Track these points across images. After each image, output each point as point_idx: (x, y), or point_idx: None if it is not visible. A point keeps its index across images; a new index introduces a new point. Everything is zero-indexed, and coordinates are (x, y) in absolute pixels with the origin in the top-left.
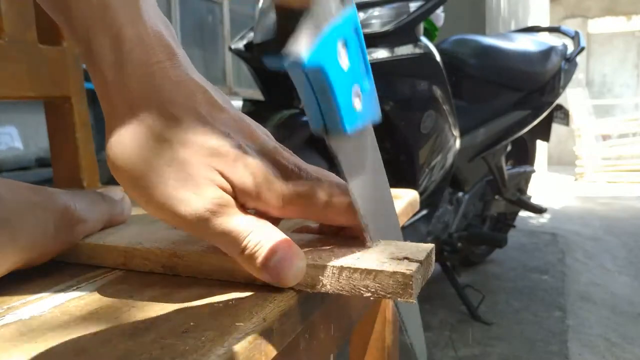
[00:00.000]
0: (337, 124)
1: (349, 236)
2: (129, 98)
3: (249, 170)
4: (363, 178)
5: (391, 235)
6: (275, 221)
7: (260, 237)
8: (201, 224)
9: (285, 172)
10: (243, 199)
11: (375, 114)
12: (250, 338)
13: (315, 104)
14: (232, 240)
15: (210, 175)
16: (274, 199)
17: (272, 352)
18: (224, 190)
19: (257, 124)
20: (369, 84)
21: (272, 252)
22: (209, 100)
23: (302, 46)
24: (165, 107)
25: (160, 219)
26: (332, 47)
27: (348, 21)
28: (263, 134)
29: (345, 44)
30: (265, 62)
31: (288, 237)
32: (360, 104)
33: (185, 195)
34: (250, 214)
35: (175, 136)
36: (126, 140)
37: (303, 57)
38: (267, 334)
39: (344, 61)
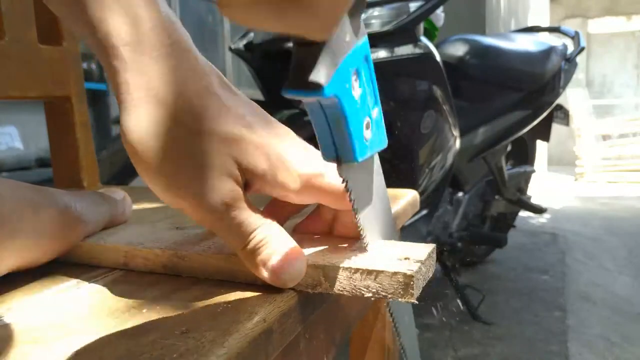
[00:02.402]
0: (349, 154)
1: (350, 237)
2: (145, 79)
3: (263, 152)
4: (369, 199)
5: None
6: (284, 218)
7: (265, 234)
8: (215, 215)
9: (299, 155)
10: (259, 184)
11: (382, 141)
12: (250, 338)
13: (329, 135)
14: (238, 234)
15: (227, 166)
16: (292, 182)
17: (272, 352)
18: (238, 182)
19: (264, 111)
20: (378, 112)
21: (274, 251)
22: (224, 83)
23: (322, 77)
24: (184, 89)
25: (175, 208)
26: (345, 77)
27: (360, 50)
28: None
29: (357, 73)
30: (283, 94)
31: (292, 239)
32: (370, 134)
33: (202, 186)
34: (259, 211)
35: (194, 122)
36: (144, 126)
37: (322, 85)
38: (267, 334)
39: (356, 91)
